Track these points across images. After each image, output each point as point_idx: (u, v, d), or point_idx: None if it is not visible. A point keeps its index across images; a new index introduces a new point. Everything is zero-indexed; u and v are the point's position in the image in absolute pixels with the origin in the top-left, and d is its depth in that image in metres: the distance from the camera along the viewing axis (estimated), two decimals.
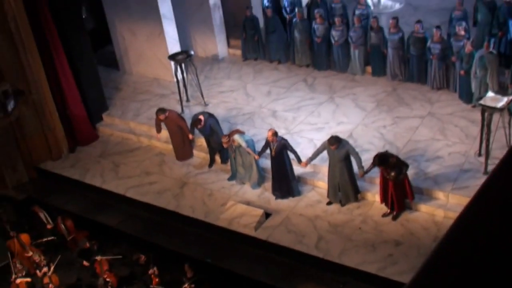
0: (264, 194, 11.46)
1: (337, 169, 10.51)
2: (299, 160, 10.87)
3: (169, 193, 12.01)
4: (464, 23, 12.82)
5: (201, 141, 12.82)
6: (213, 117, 12.24)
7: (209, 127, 12.04)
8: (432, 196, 10.49)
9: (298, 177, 11.37)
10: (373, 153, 10.64)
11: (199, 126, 12.06)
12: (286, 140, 10.90)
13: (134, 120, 14.29)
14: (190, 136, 12.50)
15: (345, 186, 10.63)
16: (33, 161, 13.68)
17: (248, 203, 11.23)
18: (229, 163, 12.06)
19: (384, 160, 9.87)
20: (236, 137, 11.37)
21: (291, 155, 10.96)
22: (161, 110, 12.49)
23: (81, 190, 12.89)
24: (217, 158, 12.52)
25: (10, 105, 12.45)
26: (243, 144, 11.32)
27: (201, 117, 12.04)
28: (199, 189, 11.97)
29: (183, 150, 12.79)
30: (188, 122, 12.50)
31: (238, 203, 11.21)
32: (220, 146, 12.09)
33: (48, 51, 13.19)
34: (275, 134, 10.76)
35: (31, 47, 12.85)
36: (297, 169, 11.33)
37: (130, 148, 13.77)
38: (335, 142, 10.31)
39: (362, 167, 10.43)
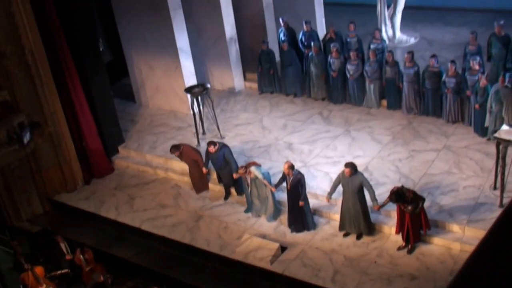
0: (280, 227, 11.42)
1: (350, 201, 10.48)
2: (302, 199, 10.87)
3: (184, 226, 12.00)
4: (478, 58, 12.87)
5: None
6: (227, 147, 12.28)
7: (222, 155, 12.01)
8: (448, 229, 10.40)
9: (314, 210, 11.33)
10: (389, 186, 10.61)
11: (211, 149, 11.98)
12: (302, 175, 10.89)
13: (151, 152, 14.36)
14: (204, 170, 12.54)
15: (358, 219, 10.57)
16: (48, 193, 13.75)
17: (264, 236, 11.19)
18: (244, 195, 12.05)
19: (400, 196, 9.84)
20: (253, 169, 11.39)
21: (314, 180, 10.96)
22: (175, 147, 12.56)
23: (96, 222, 12.92)
24: (233, 190, 12.53)
25: (26, 137, 12.56)
26: (260, 176, 11.33)
27: (215, 143, 12.10)
28: (214, 222, 11.96)
29: (200, 182, 12.81)
30: (203, 155, 12.56)
31: (254, 236, 11.16)
32: (232, 180, 12.11)
33: (65, 83, 13.36)
34: (291, 167, 10.77)
35: (48, 80, 13.03)
36: (313, 202, 11.31)
37: (146, 180, 13.82)
38: (350, 166, 10.34)
39: (376, 200, 10.40)
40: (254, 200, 11.70)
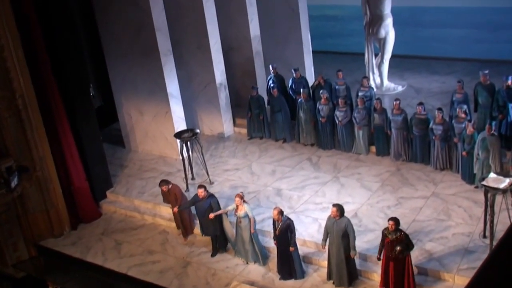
0: (268, 274, 11.31)
1: (334, 247, 10.35)
2: (293, 244, 10.77)
3: (172, 272, 11.85)
4: (465, 106, 13.05)
5: None
6: (215, 198, 12.02)
7: (209, 203, 11.72)
8: (438, 278, 10.33)
9: (303, 257, 11.25)
10: (378, 233, 10.59)
11: (201, 193, 11.70)
12: (291, 221, 10.82)
13: (139, 197, 14.30)
14: (175, 210, 12.37)
15: (340, 267, 10.42)
16: (34, 238, 13.58)
17: (252, 283, 11.06)
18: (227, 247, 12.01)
19: (398, 222, 9.78)
20: (246, 205, 11.33)
21: (302, 226, 11.00)
22: (165, 181, 12.57)
23: (82, 268, 12.73)
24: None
25: (14, 182, 12.48)
26: (250, 214, 11.26)
27: (206, 189, 11.96)
28: (202, 268, 11.83)
29: (187, 223, 12.74)
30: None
31: (243, 283, 11.03)
32: (216, 231, 11.92)
33: (54, 128, 13.37)
34: (280, 212, 10.71)
35: (38, 124, 13.03)
36: (302, 248, 11.25)
37: (133, 226, 13.71)
38: (337, 206, 10.29)
39: (355, 249, 10.30)
40: (238, 244, 11.59)
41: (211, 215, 11.51)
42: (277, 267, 11.18)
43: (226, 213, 11.82)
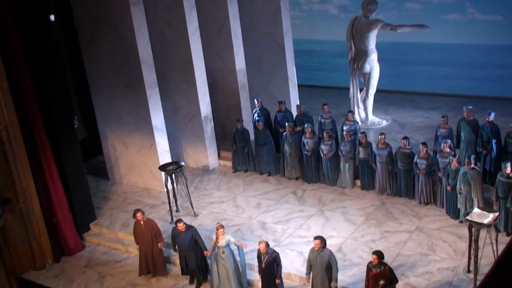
0: None
1: (319, 279, 10.30)
2: (279, 277, 10.72)
3: None
4: (449, 141, 13.15)
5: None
6: (194, 227, 11.98)
7: (191, 234, 11.68)
8: None
9: None
10: (362, 267, 10.55)
11: (181, 226, 11.60)
12: (277, 253, 10.77)
13: (123, 230, 14.18)
14: (160, 245, 12.22)
15: None
16: (16, 271, 13.36)
17: None
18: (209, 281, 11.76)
19: (382, 256, 9.75)
20: (226, 234, 11.24)
21: (287, 259, 10.98)
22: (140, 210, 12.25)
23: None
24: None
25: None
26: (232, 239, 11.19)
27: (184, 222, 11.86)
28: None
29: (156, 263, 12.38)
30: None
31: None
32: (198, 262, 11.84)
33: (38, 159, 13.25)
34: (267, 245, 10.67)
35: (21, 157, 12.91)
36: (286, 282, 11.17)
37: (117, 258, 13.56)
38: (320, 238, 10.26)
39: (336, 280, 10.27)
40: (221, 278, 11.34)
41: (208, 253, 11.37)
42: None
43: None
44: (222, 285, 11.38)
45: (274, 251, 10.83)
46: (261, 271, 10.82)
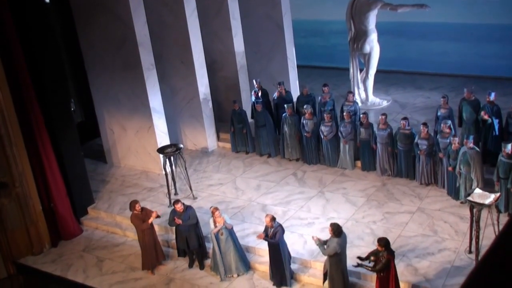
0: None
1: (333, 259, 10.18)
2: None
3: None
4: (449, 121, 12.99)
5: None
6: (192, 208, 11.86)
7: (189, 215, 11.59)
8: None
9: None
10: (363, 249, 10.47)
11: (178, 207, 11.48)
12: (280, 229, 10.65)
13: (121, 214, 14.05)
14: (154, 214, 11.77)
15: (335, 280, 10.21)
16: (13, 256, 13.27)
17: None
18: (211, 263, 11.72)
19: (388, 243, 9.63)
20: (224, 215, 11.23)
21: (288, 242, 10.88)
22: (137, 202, 11.93)
23: (62, 286, 12.45)
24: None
25: None
26: (228, 221, 11.18)
27: (182, 202, 11.75)
28: (186, 285, 11.59)
29: (152, 253, 12.07)
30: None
31: None
32: (200, 241, 11.76)
33: (34, 143, 13.10)
34: (273, 219, 10.63)
35: (17, 140, 12.77)
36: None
37: (115, 242, 13.46)
38: (332, 225, 10.07)
39: (324, 248, 10.08)
40: (225, 258, 11.32)
41: (215, 231, 11.22)
42: (269, 273, 11.07)
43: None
44: (226, 265, 11.38)
45: (280, 225, 10.77)
46: (268, 244, 10.81)
